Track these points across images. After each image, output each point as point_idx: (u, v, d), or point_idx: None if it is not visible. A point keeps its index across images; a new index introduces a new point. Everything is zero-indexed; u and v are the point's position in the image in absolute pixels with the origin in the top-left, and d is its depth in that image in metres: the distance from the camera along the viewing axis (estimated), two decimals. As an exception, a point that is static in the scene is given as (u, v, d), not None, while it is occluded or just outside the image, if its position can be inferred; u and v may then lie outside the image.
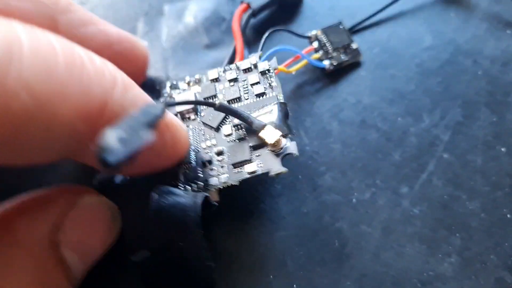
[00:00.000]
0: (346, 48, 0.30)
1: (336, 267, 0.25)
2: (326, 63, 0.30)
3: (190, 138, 0.25)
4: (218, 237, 0.26)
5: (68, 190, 0.21)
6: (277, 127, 0.23)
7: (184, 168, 0.24)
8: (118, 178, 0.24)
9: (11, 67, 0.13)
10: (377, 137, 0.28)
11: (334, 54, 0.30)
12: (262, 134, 0.23)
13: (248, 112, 0.24)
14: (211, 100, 0.26)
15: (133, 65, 0.25)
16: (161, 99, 0.27)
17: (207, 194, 0.22)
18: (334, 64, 0.30)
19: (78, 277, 0.20)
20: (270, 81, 0.25)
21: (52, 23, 0.20)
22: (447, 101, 0.29)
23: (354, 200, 0.26)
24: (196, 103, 0.24)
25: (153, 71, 0.31)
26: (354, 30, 0.32)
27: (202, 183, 0.23)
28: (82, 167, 0.26)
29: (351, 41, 0.31)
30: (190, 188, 0.23)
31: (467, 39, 0.32)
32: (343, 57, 0.30)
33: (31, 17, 0.19)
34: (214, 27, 0.33)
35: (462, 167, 0.27)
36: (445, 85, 0.30)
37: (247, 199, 0.27)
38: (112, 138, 0.13)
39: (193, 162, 0.24)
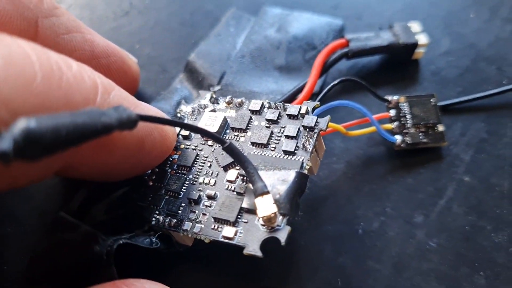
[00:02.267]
0: (430, 127, 0.25)
1: (339, 311, 0.21)
2: (398, 138, 0.25)
3: (195, 165, 0.22)
4: (200, 276, 0.22)
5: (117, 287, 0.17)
6: (280, 200, 0.19)
7: (169, 195, 0.21)
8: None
9: None
10: (386, 156, 0.25)
11: (412, 130, 0.25)
12: (257, 200, 0.18)
13: (263, 167, 0.20)
14: (237, 134, 0.22)
15: (121, 82, 0.21)
16: (200, 92, 0.25)
17: (126, 241, 0.19)
18: (408, 142, 0.25)
19: None
20: (306, 142, 0.21)
21: (32, 27, 0.19)
22: (468, 115, 0.25)
23: (360, 230, 0.23)
24: (205, 133, 0.20)
25: (208, 64, 0.28)
26: (456, 109, 0.26)
27: (176, 221, 0.20)
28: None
29: (439, 122, 0.25)
30: (163, 219, 0.21)
31: (490, 42, 0.28)
32: (422, 138, 0.25)
33: (10, 19, 0.18)
34: (299, 52, 0.28)
35: (486, 192, 0.23)
36: (465, 95, 0.26)
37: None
38: (16, 127, 0.12)
39: (181, 193, 0.21)
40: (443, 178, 0.24)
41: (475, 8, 0.29)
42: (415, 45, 0.27)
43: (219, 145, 0.19)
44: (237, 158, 0.19)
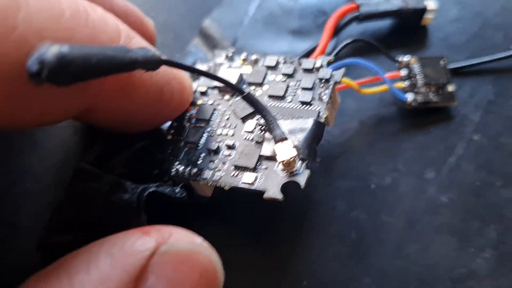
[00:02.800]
0: (440, 87, 0.25)
1: (353, 262, 0.22)
2: (409, 96, 0.25)
3: (213, 119, 0.22)
4: (217, 229, 0.23)
5: (147, 231, 0.16)
6: (299, 146, 0.19)
7: (188, 147, 0.21)
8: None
9: (20, 13, 0.13)
10: (398, 115, 0.25)
11: (423, 89, 0.25)
12: (276, 146, 0.19)
13: (280, 117, 0.20)
14: (255, 88, 0.22)
15: None
16: (216, 51, 0.25)
17: (154, 190, 0.20)
18: (419, 100, 0.25)
19: None
20: (322, 93, 0.21)
21: None
22: (476, 78, 0.26)
23: (372, 186, 0.23)
24: (224, 82, 0.20)
25: (221, 29, 0.28)
26: (461, 71, 0.27)
27: (196, 171, 0.20)
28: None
29: (449, 82, 0.25)
30: (183, 169, 0.21)
31: (496, 12, 0.28)
32: (432, 97, 0.25)
33: None
34: (311, 17, 0.29)
35: (495, 150, 0.24)
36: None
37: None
38: (50, 50, 0.12)
39: (200, 145, 0.21)
40: (453, 137, 0.24)
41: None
42: (423, 10, 0.27)
43: (238, 94, 0.20)
44: (256, 107, 0.20)
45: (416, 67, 0.26)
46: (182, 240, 0.15)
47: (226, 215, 0.23)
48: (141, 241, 0.14)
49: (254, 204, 0.23)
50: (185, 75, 0.21)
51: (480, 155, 0.24)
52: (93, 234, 0.19)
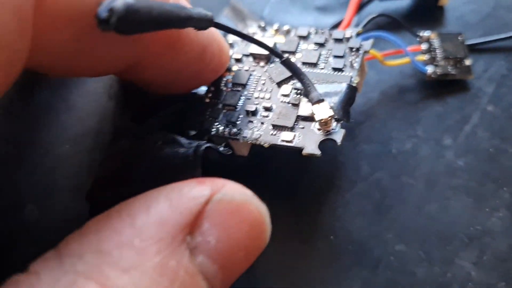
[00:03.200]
0: (458, 61, 0.27)
1: (377, 219, 0.23)
2: (429, 68, 0.27)
3: (249, 84, 0.23)
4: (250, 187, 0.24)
5: (202, 181, 0.16)
6: (334, 107, 0.21)
7: (227, 109, 0.23)
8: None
9: None
10: (417, 87, 0.27)
11: (442, 63, 0.27)
12: (314, 107, 0.20)
13: (315, 82, 0.22)
14: (288, 55, 0.24)
15: None
16: (248, 22, 0.27)
17: (210, 145, 0.20)
18: (438, 73, 0.26)
19: None
20: (353, 61, 0.23)
21: None
22: (490, 54, 0.27)
23: (394, 150, 0.25)
24: (266, 47, 0.21)
25: (249, 3, 0.30)
26: (476, 48, 0.28)
27: (236, 130, 0.22)
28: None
29: (466, 56, 0.27)
30: (223, 129, 0.22)
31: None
32: (450, 70, 0.27)
33: None
34: None
35: (508, 119, 0.25)
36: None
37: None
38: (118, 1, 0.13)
39: (238, 107, 0.22)
40: (468, 107, 0.26)
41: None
42: None
43: (276, 59, 0.21)
44: (294, 71, 0.21)
45: (435, 42, 0.27)
46: (235, 190, 0.16)
47: (258, 176, 0.24)
48: (198, 188, 0.15)
49: (284, 166, 0.24)
50: (224, 40, 0.22)
51: (494, 124, 0.25)
52: (143, 187, 0.20)
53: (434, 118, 0.26)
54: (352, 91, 0.21)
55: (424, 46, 0.27)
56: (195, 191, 0.15)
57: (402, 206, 0.23)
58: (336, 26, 0.27)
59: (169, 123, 0.23)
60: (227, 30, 0.20)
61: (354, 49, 0.23)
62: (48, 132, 0.25)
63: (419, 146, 0.25)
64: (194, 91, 0.24)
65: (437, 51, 0.27)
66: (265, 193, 0.23)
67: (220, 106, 0.23)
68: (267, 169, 0.24)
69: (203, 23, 0.17)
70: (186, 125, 0.23)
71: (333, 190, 0.24)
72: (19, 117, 0.24)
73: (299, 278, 0.22)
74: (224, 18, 0.29)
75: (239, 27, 0.28)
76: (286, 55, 0.23)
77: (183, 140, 0.20)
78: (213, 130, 0.22)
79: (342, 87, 0.21)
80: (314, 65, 0.23)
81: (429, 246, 0.22)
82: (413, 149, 0.25)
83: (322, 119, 0.20)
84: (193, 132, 0.22)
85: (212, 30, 0.20)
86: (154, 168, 0.20)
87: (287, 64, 0.21)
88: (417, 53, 0.27)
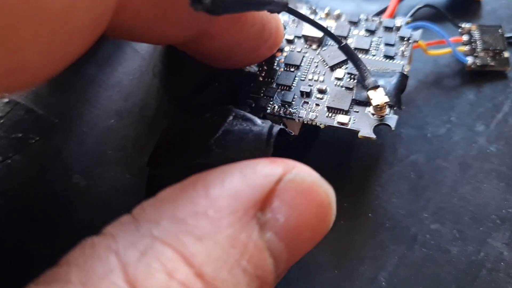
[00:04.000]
0: (497, 53, 0.28)
1: (413, 199, 0.24)
2: (469, 59, 0.28)
3: (302, 65, 0.24)
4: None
5: (275, 161, 0.16)
6: (388, 94, 0.22)
7: (281, 89, 0.23)
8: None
9: None
10: (452, 75, 0.28)
11: (482, 54, 0.28)
12: (370, 93, 0.21)
13: (369, 68, 0.23)
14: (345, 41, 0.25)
15: None
16: (297, 4, 0.28)
17: (282, 127, 0.20)
18: (478, 64, 0.28)
19: (281, 275, 0.16)
20: (404, 50, 0.24)
21: None
22: (520, 46, 0.29)
23: (429, 134, 0.26)
24: (327, 32, 0.22)
25: None
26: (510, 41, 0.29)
27: (291, 110, 0.23)
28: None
29: (505, 49, 0.28)
30: (278, 108, 0.23)
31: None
32: (490, 61, 0.28)
33: None
34: None
35: (538, 109, 0.26)
36: (517, 30, 0.29)
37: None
38: None
39: (293, 87, 0.23)
40: (500, 96, 0.27)
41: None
42: None
43: (336, 44, 0.22)
44: (352, 56, 0.22)
45: (476, 34, 0.28)
46: (305, 172, 0.16)
47: (303, 155, 0.25)
48: (271, 167, 0.15)
49: (325, 147, 0.25)
50: (280, 19, 0.23)
51: (525, 113, 0.26)
52: (212, 158, 0.20)
53: (467, 106, 0.27)
54: (404, 79, 0.22)
55: (465, 38, 0.28)
56: (268, 169, 0.15)
57: (437, 187, 0.24)
58: (379, 13, 0.28)
59: (222, 96, 0.24)
60: (299, 16, 0.21)
61: (404, 38, 0.24)
62: (95, 106, 0.26)
63: (453, 131, 0.26)
64: (247, 68, 0.25)
65: (478, 42, 0.28)
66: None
67: (274, 85, 0.24)
68: (312, 149, 0.25)
69: (278, 7, 0.18)
70: (240, 101, 0.24)
71: (372, 171, 0.25)
72: (68, 90, 0.25)
73: (339, 252, 0.23)
74: None
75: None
76: (343, 41, 0.24)
77: (257, 120, 0.20)
78: (268, 108, 0.23)
79: (395, 74, 0.22)
80: (366, 51, 0.24)
81: (463, 226, 0.23)
82: (447, 134, 0.26)
83: (378, 105, 0.21)
84: (247, 110, 0.23)
85: None
86: (225, 141, 0.20)
87: (346, 49, 0.22)
88: (458, 44, 0.28)
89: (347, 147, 0.26)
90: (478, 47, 0.28)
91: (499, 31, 0.29)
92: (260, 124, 0.20)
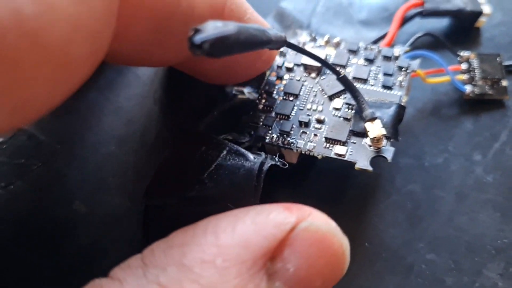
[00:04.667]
0: (495, 82, 0.28)
1: (409, 229, 0.24)
2: (468, 88, 0.28)
3: (301, 94, 0.24)
4: (291, 196, 0.25)
5: (289, 207, 0.16)
6: (385, 125, 0.22)
7: (280, 118, 0.24)
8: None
9: None
10: (450, 104, 0.28)
11: (480, 83, 0.28)
12: (367, 124, 0.21)
13: (366, 98, 0.23)
14: (339, 69, 0.25)
15: None
16: (297, 31, 0.27)
17: (274, 163, 0.21)
18: (476, 92, 0.28)
19: None
20: (402, 80, 0.24)
21: None
22: (519, 74, 0.29)
23: (426, 164, 0.26)
24: (325, 63, 0.22)
25: (296, 11, 0.31)
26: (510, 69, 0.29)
27: (290, 140, 0.23)
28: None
29: (503, 77, 0.28)
30: (276, 138, 0.23)
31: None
32: (488, 90, 0.28)
33: None
34: (375, 11, 0.32)
35: (535, 139, 0.27)
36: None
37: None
38: (208, 25, 0.14)
39: (291, 117, 0.24)
40: (498, 126, 0.27)
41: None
42: (480, 13, 0.30)
43: (335, 75, 0.22)
44: (350, 87, 0.22)
45: (475, 62, 0.29)
46: (320, 220, 0.16)
47: (300, 183, 0.25)
48: (284, 215, 0.15)
49: (324, 175, 0.26)
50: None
51: (522, 143, 0.27)
52: (205, 191, 0.20)
53: (465, 135, 0.27)
54: (401, 110, 0.23)
55: (464, 66, 0.29)
56: (281, 217, 0.15)
57: (433, 217, 0.24)
58: (378, 40, 0.29)
59: (222, 125, 0.24)
60: (298, 50, 0.21)
61: (403, 68, 0.24)
62: (97, 131, 0.26)
63: (450, 161, 0.26)
64: (247, 95, 0.25)
65: (476, 71, 0.28)
66: (307, 200, 0.25)
67: (273, 114, 0.24)
68: (310, 177, 0.26)
69: (279, 44, 0.18)
70: (239, 129, 0.24)
71: (369, 200, 0.25)
72: (70, 115, 0.25)
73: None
74: (271, 19, 0.30)
75: (286, 33, 0.29)
76: (342, 72, 0.24)
77: (249, 155, 0.21)
78: (267, 138, 0.23)
79: (392, 106, 0.22)
80: (365, 81, 0.24)
81: (458, 256, 0.24)
82: (445, 164, 0.26)
83: (375, 137, 0.21)
84: (247, 139, 0.23)
85: (264, 22, 0.22)
86: (218, 175, 0.20)
87: (344, 81, 0.22)
88: (457, 72, 0.28)
89: (345, 176, 0.26)
90: (476, 75, 0.28)
91: (498, 59, 0.29)
92: (252, 159, 0.20)
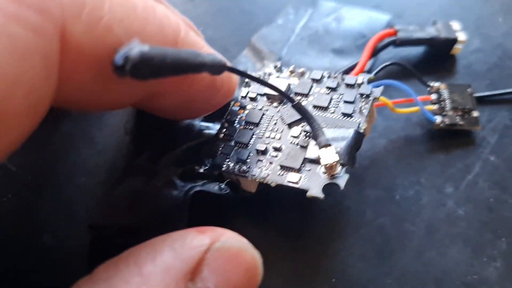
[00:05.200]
0: (466, 112, 0.28)
1: (377, 264, 0.24)
2: (438, 118, 0.28)
3: (261, 123, 0.24)
4: (254, 227, 0.25)
5: (203, 230, 0.17)
6: (340, 152, 0.21)
7: (238, 146, 0.24)
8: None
9: (106, 4, 0.15)
10: (424, 134, 0.28)
11: (450, 113, 0.28)
12: (321, 151, 0.21)
13: (324, 126, 0.23)
14: (300, 98, 0.25)
15: None
16: (265, 62, 0.28)
17: (200, 189, 0.22)
18: (447, 123, 0.28)
19: None
20: (362, 107, 0.23)
21: None
22: (494, 105, 0.28)
23: (397, 196, 0.26)
24: (278, 90, 0.22)
25: (269, 43, 0.31)
26: (485, 100, 0.29)
27: (245, 168, 0.23)
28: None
29: (474, 108, 0.28)
30: (233, 166, 0.23)
31: (516, 44, 0.31)
32: (458, 120, 0.28)
33: None
34: (351, 39, 0.31)
35: (509, 170, 0.26)
36: (492, 87, 0.29)
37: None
38: (131, 46, 0.14)
39: (249, 145, 0.24)
40: (471, 157, 0.27)
41: (503, 14, 0.33)
42: (454, 41, 0.30)
43: (288, 102, 0.22)
44: (304, 115, 0.22)
45: (445, 92, 0.28)
46: (232, 239, 0.17)
47: (264, 215, 0.25)
48: (199, 238, 0.16)
49: (290, 206, 0.25)
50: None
51: (495, 174, 0.26)
52: (141, 224, 0.21)
53: (438, 166, 0.26)
54: (359, 137, 0.22)
55: (434, 96, 0.28)
56: (196, 240, 0.16)
57: (403, 251, 0.24)
58: (351, 69, 0.28)
59: (183, 159, 0.24)
60: (241, 74, 0.21)
61: (364, 96, 0.24)
62: (69, 163, 0.26)
63: (422, 193, 0.26)
64: (209, 130, 0.25)
65: (446, 101, 0.28)
66: (270, 231, 0.25)
67: (232, 143, 0.24)
68: (274, 207, 0.25)
69: (217, 69, 0.18)
70: (199, 159, 0.24)
71: (338, 234, 0.25)
72: (42, 147, 0.25)
73: (301, 318, 0.23)
74: (244, 57, 0.30)
75: (257, 66, 0.29)
76: (298, 98, 0.24)
77: (178, 183, 0.22)
78: (224, 166, 0.23)
79: (350, 132, 0.22)
80: (325, 108, 0.24)
81: (427, 292, 0.23)
82: (416, 196, 0.26)
83: (327, 164, 0.21)
84: (203, 168, 0.24)
85: (222, 58, 0.22)
86: (150, 205, 0.22)
87: (298, 108, 0.22)
88: (427, 102, 0.28)
89: (312, 208, 0.26)
90: (447, 106, 0.28)
91: (468, 90, 0.28)
92: (180, 188, 0.22)
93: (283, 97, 0.22)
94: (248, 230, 0.24)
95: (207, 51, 0.21)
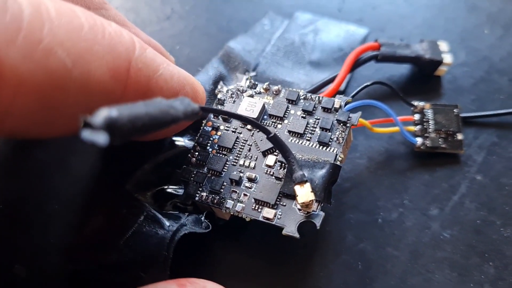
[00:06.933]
0: (449, 135, 0.27)
1: (359, 291, 0.23)
2: (418, 140, 0.26)
3: (235, 148, 0.24)
4: (234, 253, 0.24)
5: (183, 284, 0.18)
6: (316, 188, 0.21)
7: (212, 174, 0.23)
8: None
9: (45, 26, 0.14)
10: (406, 154, 0.27)
11: (433, 135, 0.27)
12: (297, 188, 0.20)
13: (299, 156, 0.22)
14: (275, 121, 0.24)
15: None
16: (238, 75, 0.27)
17: (187, 232, 0.21)
18: (428, 145, 0.26)
19: None
20: (340, 136, 0.22)
21: None
22: (482, 123, 0.27)
23: (380, 220, 0.25)
24: (253, 123, 0.21)
25: (244, 52, 0.30)
26: (471, 121, 0.28)
27: (219, 199, 0.22)
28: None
29: (459, 130, 0.27)
30: (206, 196, 0.22)
31: (502, 57, 0.30)
32: (441, 143, 0.27)
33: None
34: (328, 51, 0.30)
35: (496, 190, 0.25)
36: (479, 103, 0.28)
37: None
38: (97, 117, 0.13)
39: (223, 173, 0.23)
40: (457, 176, 0.26)
41: (489, 25, 0.32)
42: (439, 63, 0.28)
43: (265, 134, 0.21)
44: (280, 148, 0.21)
45: (429, 113, 0.27)
46: None
47: (243, 240, 0.24)
48: None
49: (267, 233, 0.24)
50: (196, 80, 0.22)
51: (482, 195, 0.25)
52: (121, 258, 0.21)
53: (422, 187, 0.26)
54: (335, 170, 0.21)
55: (416, 117, 0.27)
56: None
57: (385, 278, 0.23)
58: (328, 82, 0.27)
59: (157, 174, 0.24)
60: (216, 112, 0.20)
61: (341, 123, 0.23)
62: (42, 191, 0.25)
63: (405, 216, 0.25)
64: (182, 143, 0.25)
65: (430, 122, 0.27)
66: (248, 259, 0.24)
67: (205, 169, 0.23)
68: (251, 235, 0.24)
69: (191, 116, 0.17)
70: (172, 183, 0.23)
71: (318, 260, 0.24)
72: (17, 175, 0.25)
73: None
74: (218, 60, 0.29)
75: (230, 76, 0.28)
76: (273, 122, 0.23)
77: (165, 222, 0.21)
78: (197, 196, 0.22)
79: (326, 165, 0.21)
80: (301, 135, 0.23)
81: (411, 322, 0.22)
82: (399, 219, 0.25)
83: (303, 202, 0.20)
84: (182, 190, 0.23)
85: (183, 73, 0.21)
86: (133, 243, 0.21)
87: (274, 140, 0.21)
88: (409, 122, 0.27)
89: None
90: (430, 127, 0.27)
91: (455, 111, 0.27)
92: (166, 227, 0.21)
93: (259, 129, 0.21)
94: (227, 255, 0.24)
95: (167, 68, 0.20)
